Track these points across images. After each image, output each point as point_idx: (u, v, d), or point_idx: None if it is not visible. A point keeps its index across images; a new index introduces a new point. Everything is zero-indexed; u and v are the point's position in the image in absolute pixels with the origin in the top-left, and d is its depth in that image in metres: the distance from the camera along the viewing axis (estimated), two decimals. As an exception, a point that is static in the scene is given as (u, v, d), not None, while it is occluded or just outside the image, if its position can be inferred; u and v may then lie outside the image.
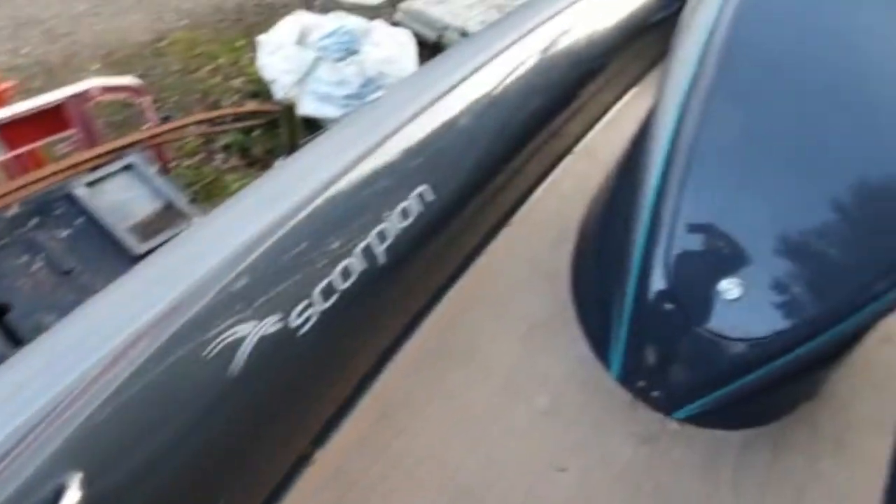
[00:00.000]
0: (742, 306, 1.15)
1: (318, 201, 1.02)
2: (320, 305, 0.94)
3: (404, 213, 1.13)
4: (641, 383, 1.28)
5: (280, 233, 0.95)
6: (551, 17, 1.86)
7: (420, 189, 1.17)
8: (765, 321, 1.16)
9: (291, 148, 2.76)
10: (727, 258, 1.20)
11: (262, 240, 0.93)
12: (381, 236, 1.07)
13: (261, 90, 3.74)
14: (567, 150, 1.99)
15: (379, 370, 1.28)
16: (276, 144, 3.01)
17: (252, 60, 3.76)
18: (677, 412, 1.27)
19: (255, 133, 3.46)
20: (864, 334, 1.35)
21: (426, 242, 1.22)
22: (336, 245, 1.01)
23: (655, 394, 1.27)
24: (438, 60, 1.68)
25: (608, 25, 1.99)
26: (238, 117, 2.91)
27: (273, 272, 0.92)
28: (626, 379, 1.29)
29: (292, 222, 0.97)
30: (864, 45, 1.33)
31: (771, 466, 1.32)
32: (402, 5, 4.06)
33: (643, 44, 2.13)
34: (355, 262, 1.01)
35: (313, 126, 3.40)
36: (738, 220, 1.21)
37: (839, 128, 1.25)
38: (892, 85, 1.29)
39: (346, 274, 1.00)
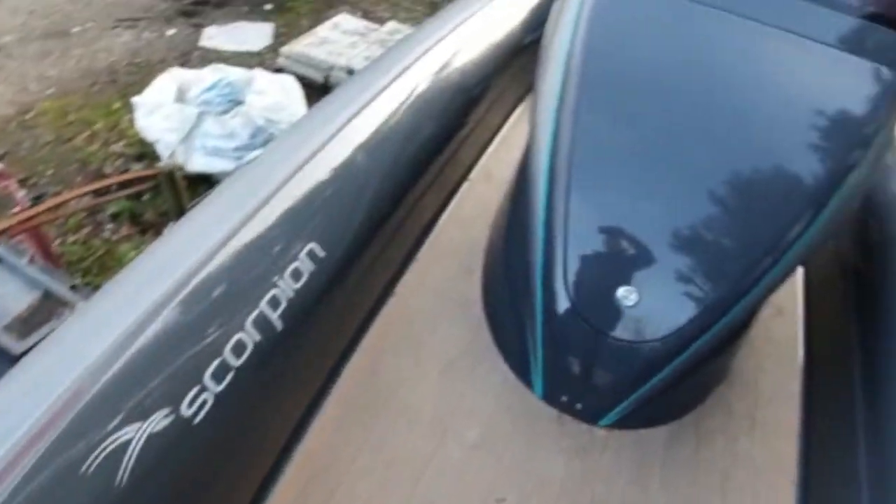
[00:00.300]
0: (641, 310, 1.20)
1: (201, 276, 0.96)
2: (214, 388, 0.88)
3: (295, 275, 1.08)
4: (564, 398, 1.30)
5: (160, 317, 0.89)
6: (432, 46, 1.90)
7: (309, 246, 1.13)
8: (665, 320, 1.21)
9: (180, 212, 2.63)
10: (620, 266, 1.25)
11: (142, 326, 0.87)
12: (274, 303, 1.02)
13: (146, 151, 3.56)
14: (463, 177, 2.02)
15: (299, 435, 1.22)
16: (169, 207, 2.86)
17: (132, 123, 3.58)
18: (602, 420, 1.29)
19: (146, 197, 3.29)
20: (757, 312, 1.44)
21: (325, 299, 1.18)
22: (223, 321, 0.95)
23: (579, 406, 1.29)
24: (324, 103, 1.66)
25: (487, 49, 2.06)
26: (123, 184, 2.75)
27: (156, 361, 0.86)
28: (550, 396, 1.31)
29: (174, 303, 0.91)
30: (712, 50, 1.44)
31: (695, 456, 1.38)
32: (284, 49, 4.02)
33: (521, 63, 2.21)
34: (247, 336, 0.95)
35: (209, 181, 3.28)
36: (624, 228, 1.27)
37: (700, 127, 1.34)
38: (742, 82, 1.40)
39: (238, 350, 0.94)
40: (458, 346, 1.49)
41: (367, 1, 5.39)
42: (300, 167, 1.29)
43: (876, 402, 1.33)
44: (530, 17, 2.24)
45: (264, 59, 4.37)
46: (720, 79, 1.38)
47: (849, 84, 1.35)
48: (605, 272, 1.26)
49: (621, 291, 1.19)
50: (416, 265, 1.68)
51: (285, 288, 1.05)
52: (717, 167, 1.30)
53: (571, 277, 1.22)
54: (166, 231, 2.88)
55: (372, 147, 1.48)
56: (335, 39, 4.08)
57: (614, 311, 1.21)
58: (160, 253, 1.08)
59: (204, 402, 0.85)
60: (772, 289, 1.30)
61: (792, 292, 1.92)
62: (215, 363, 0.90)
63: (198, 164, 3.08)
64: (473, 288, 1.63)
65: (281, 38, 4.60)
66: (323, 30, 4.20)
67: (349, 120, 1.49)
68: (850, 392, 1.42)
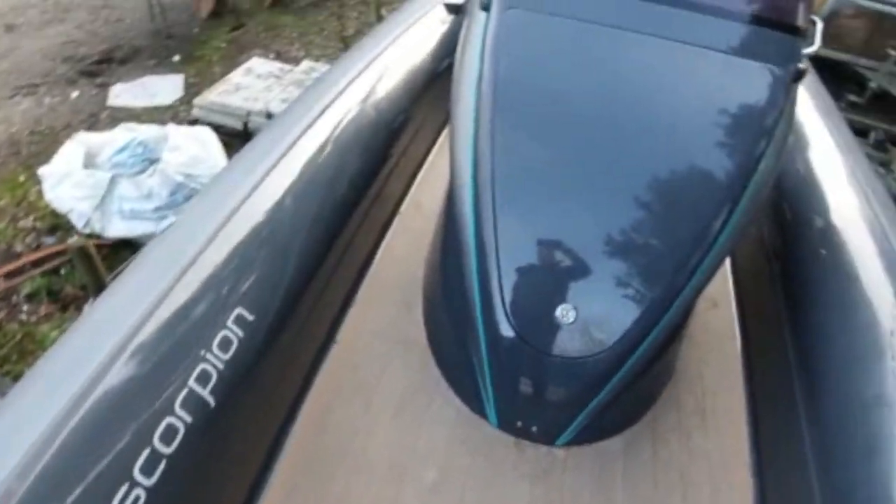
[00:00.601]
0: (581, 325, 1.21)
1: (122, 360, 0.90)
2: (145, 482, 0.82)
3: (224, 345, 1.04)
4: (519, 423, 1.29)
5: (82, 409, 0.83)
6: (348, 84, 1.88)
7: (236, 311, 1.09)
8: (606, 331, 1.23)
9: (99, 287, 2.49)
10: (555, 285, 1.27)
11: (65, 421, 0.81)
12: (203, 379, 0.97)
13: (59, 223, 3.36)
14: (393, 212, 2.01)
15: (253, 500, 1.16)
16: (87, 281, 2.70)
17: (41, 195, 3.39)
18: (559, 439, 1.29)
19: (64, 270, 3.10)
20: (692, 308, 1.49)
21: (260, 365, 1.13)
22: (149, 407, 0.89)
23: (535, 429, 1.29)
24: (243, 153, 1.62)
25: (403, 80, 2.06)
26: (36, 262, 2.58)
27: (79, 459, 0.79)
28: (505, 424, 1.30)
29: (96, 393, 0.85)
30: (615, 66, 1.49)
31: (653, 459, 1.39)
32: (197, 100, 3.92)
33: (439, 91, 2.23)
34: (177, 420, 0.90)
35: (132, 245, 3.13)
36: (553, 247, 1.28)
37: (613, 140, 1.38)
38: (647, 93, 1.45)
39: (169, 436, 0.88)
40: (407, 386, 1.47)
41: (278, 42, 5.36)
42: (221, 226, 1.25)
43: (811, 376, 1.39)
44: (443, 44, 2.27)
45: (178, 112, 4.25)
46: (626, 92, 1.43)
47: (743, 84, 1.43)
48: (541, 293, 1.27)
49: (559, 310, 1.21)
50: (355, 309, 1.65)
51: (214, 361, 1.00)
52: (635, 176, 1.34)
53: (510, 303, 1.22)
54: (85, 310, 2.71)
55: (296, 194, 1.45)
56: (249, 84, 4.02)
57: (555, 331, 1.22)
58: (77, 337, 1.02)
59: (137, 499, 0.79)
60: (704, 283, 1.34)
61: (723, 283, 2.00)
62: (144, 454, 0.84)
63: (117, 229, 2.94)
64: (416, 324, 1.61)
65: (193, 89, 4.49)
66: (236, 76, 4.13)
67: (270, 169, 1.46)
68: (788, 371, 1.48)
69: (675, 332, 1.46)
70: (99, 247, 2.91)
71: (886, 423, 1.15)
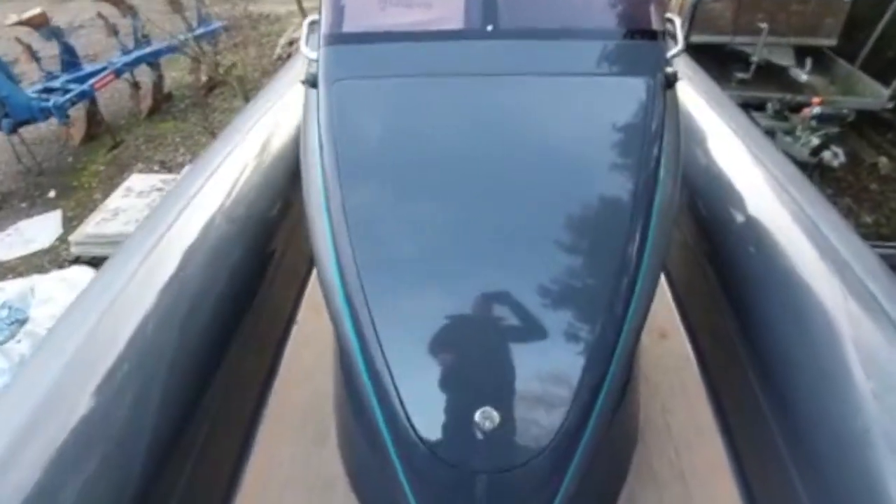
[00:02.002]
0: (508, 428, 0.98)
1: None
2: None
3: None
4: None
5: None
6: (211, 175, 1.67)
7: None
8: (541, 426, 0.99)
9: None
10: (463, 386, 1.04)
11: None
12: None
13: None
14: (290, 320, 1.74)
15: None
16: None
17: None
18: None
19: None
20: (636, 352, 1.28)
21: None
22: None
23: None
24: (99, 276, 1.39)
25: (273, 165, 1.83)
26: None
27: None
28: None
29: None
30: (473, 114, 1.29)
31: None
32: (73, 237, 3.56)
33: None
34: None
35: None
36: (450, 338, 1.05)
37: (488, 194, 1.16)
38: (520, 136, 1.24)
39: None
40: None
41: (161, 151, 5.06)
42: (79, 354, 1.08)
43: (775, 388, 1.27)
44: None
45: (59, 254, 3.86)
46: (491, 139, 1.22)
47: (616, 102, 1.26)
48: (451, 398, 1.04)
49: (479, 415, 0.97)
50: (257, 452, 1.36)
51: None
52: (529, 227, 1.13)
53: (415, 415, 0.99)
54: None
55: (165, 312, 1.25)
56: (130, 206, 3.70)
57: (478, 441, 0.97)
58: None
59: None
60: (641, 321, 1.14)
61: (666, 309, 1.82)
62: None
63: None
64: (333, 459, 1.33)
65: (74, 223, 4.12)
66: (114, 200, 3.80)
67: (120, 296, 1.25)
68: (752, 390, 1.33)
69: (624, 389, 1.24)
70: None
71: (860, 416, 1.06)
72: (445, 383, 1.04)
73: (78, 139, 5.13)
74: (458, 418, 1.00)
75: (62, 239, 3.99)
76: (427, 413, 1.00)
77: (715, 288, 1.59)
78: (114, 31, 5.26)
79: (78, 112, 5.02)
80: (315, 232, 1.18)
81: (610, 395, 1.05)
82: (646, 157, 1.19)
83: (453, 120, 1.24)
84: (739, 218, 1.59)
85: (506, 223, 1.13)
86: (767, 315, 1.36)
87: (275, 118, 2.02)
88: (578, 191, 1.17)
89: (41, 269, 3.65)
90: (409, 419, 0.99)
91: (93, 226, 3.51)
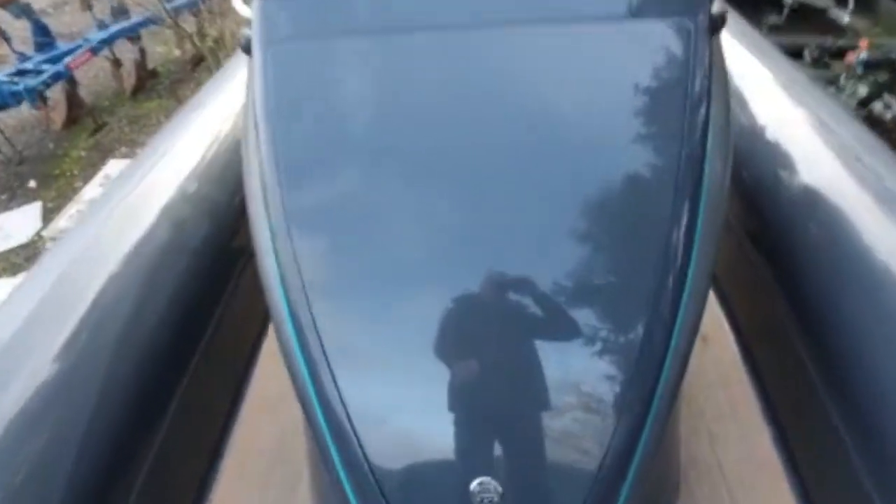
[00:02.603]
0: (520, 490, 0.71)
1: None
2: None
3: None
4: None
5: None
6: (151, 169, 1.40)
7: None
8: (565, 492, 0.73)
9: None
10: (455, 450, 0.76)
11: None
12: None
13: None
14: (250, 358, 1.45)
15: None
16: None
17: None
18: None
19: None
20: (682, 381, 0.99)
21: None
22: None
23: None
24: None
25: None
26: None
27: None
28: None
29: None
30: (465, 76, 0.96)
31: None
32: (47, 232, 3.33)
33: None
34: None
35: None
36: (431, 399, 0.76)
37: (489, 182, 0.86)
38: (524, 107, 0.92)
39: None
40: None
41: (146, 132, 4.75)
42: None
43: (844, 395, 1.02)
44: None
45: (38, 249, 3.61)
46: (490, 115, 0.89)
47: (651, 53, 0.92)
48: (436, 469, 0.77)
49: (476, 486, 0.72)
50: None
51: None
52: (533, 240, 0.83)
53: (393, 491, 0.75)
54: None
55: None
56: (107, 195, 3.43)
57: None
58: None
59: None
60: (689, 345, 0.85)
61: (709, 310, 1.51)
62: None
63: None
64: None
65: (53, 215, 3.87)
66: (90, 189, 3.55)
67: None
68: (825, 415, 1.04)
69: (661, 432, 0.95)
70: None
71: None
72: (427, 445, 0.77)
73: (59, 123, 4.84)
74: (446, 493, 0.73)
75: (41, 232, 3.75)
76: (406, 484, 0.75)
77: (767, 278, 1.28)
78: (88, 5, 4.92)
79: (58, 95, 4.73)
80: (257, 245, 0.89)
81: (648, 445, 0.78)
82: (691, 122, 0.87)
83: (430, 90, 0.92)
84: (796, 192, 1.27)
85: (507, 223, 0.83)
86: (838, 314, 1.06)
87: (233, 96, 1.70)
88: (605, 173, 0.86)
89: (18, 268, 3.42)
90: (381, 490, 0.74)
91: (66, 219, 3.26)
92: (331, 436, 0.79)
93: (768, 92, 1.55)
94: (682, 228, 0.82)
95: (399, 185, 0.87)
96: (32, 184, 4.34)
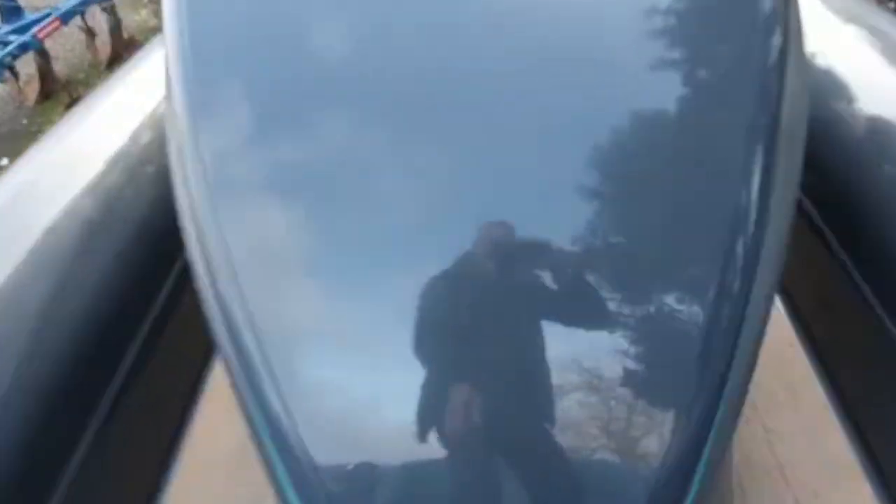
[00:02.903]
0: None
1: None
2: None
3: None
4: None
5: None
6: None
7: None
8: None
9: None
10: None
11: None
12: None
13: None
14: (197, 379, 1.23)
15: None
16: None
17: None
18: None
19: None
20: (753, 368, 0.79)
21: None
22: None
23: None
24: None
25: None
26: None
27: None
28: None
29: None
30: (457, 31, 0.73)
31: None
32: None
33: None
34: None
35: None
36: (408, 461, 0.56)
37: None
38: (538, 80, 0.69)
39: None
40: None
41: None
42: None
43: None
44: None
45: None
46: (492, 66, 0.67)
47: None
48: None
49: None
50: None
51: None
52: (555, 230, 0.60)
53: None
54: None
55: None
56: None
57: None
58: None
59: None
60: (754, 355, 0.64)
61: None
62: None
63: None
64: None
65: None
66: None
67: None
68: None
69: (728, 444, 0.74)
70: None
71: None
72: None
73: (32, 98, 4.59)
74: None
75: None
76: None
77: (842, 271, 1.04)
78: (56, -31, 4.61)
79: (31, 69, 4.47)
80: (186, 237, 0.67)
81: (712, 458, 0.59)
82: (764, 81, 0.64)
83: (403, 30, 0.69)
84: (880, 165, 1.02)
85: (514, 209, 0.61)
86: None
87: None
88: (654, 144, 0.63)
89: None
90: None
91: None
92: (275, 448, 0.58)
93: (847, 40, 1.26)
94: (754, 205, 0.60)
95: (368, 143, 0.64)
96: (5, 161, 4.11)
